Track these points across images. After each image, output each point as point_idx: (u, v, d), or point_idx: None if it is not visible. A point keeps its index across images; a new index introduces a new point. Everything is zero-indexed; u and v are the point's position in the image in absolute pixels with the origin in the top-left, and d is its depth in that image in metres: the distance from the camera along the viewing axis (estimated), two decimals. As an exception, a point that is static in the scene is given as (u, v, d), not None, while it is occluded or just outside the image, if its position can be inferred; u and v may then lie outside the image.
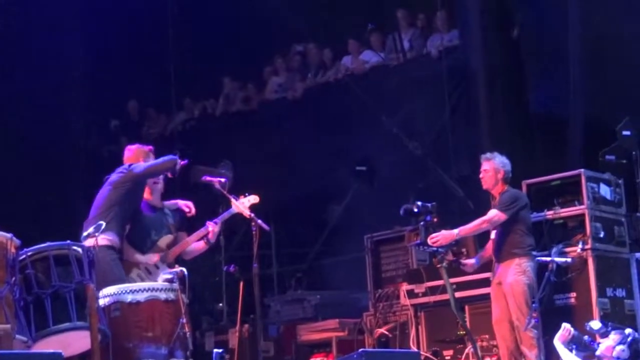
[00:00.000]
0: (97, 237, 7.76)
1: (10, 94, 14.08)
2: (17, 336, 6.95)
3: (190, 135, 16.45)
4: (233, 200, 9.23)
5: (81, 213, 8.99)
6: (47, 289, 7.28)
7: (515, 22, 13.13)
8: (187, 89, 16.57)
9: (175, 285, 7.99)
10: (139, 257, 9.02)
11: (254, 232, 9.03)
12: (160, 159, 9.06)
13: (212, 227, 9.26)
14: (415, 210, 9.70)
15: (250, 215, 9.11)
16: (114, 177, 9.03)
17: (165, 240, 9.20)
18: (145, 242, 9.12)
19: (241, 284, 9.72)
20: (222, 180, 9.25)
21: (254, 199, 9.33)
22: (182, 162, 9.14)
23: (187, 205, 9.37)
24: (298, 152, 14.39)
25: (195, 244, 9.33)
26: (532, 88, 13.00)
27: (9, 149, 13.67)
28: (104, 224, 7.97)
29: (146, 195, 9.27)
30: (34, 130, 14.35)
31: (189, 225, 9.42)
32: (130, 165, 9.05)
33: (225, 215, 9.29)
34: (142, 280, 8.76)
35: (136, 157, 9.21)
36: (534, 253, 9.59)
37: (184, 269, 8.06)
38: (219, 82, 16.58)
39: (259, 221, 9.06)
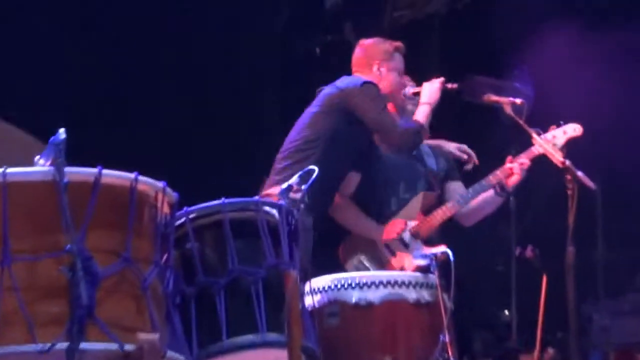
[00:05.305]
0: (303, 191, 5.21)
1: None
2: (169, 353, 4.84)
3: (461, 23, 12.14)
4: (535, 135, 6.54)
5: (274, 147, 6.43)
6: (221, 277, 5.19)
7: None
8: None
9: (434, 277, 5.81)
10: (372, 229, 6.54)
11: (569, 193, 6.24)
12: (410, 129, 6.46)
13: (511, 164, 6.62)
14: None
15: (564, 163, 6.29)
16: (327, 91, 6.56)
17: (421, 199, 6.67)
18: (388, 203, 6.67)
19: (544, 278, 7.16)
20: (518, 101, 6.62)
21: (572, 130, 6.62)
22: (452, 86, 6.70)
23: (463, 150, 6.86)
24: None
25: (480, 198, 6.76)
26: None
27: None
28: (316, 169, 5.25)
29: None
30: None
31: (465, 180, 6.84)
32: (363, 84, 6.47)
33: (523, 156, 6.65)
34: (376, 268, 6.46)
35: (369, 59, 6.69)
36: None
37: (449, 251, 5.77)
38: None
39: (580, 174, 6.20)
